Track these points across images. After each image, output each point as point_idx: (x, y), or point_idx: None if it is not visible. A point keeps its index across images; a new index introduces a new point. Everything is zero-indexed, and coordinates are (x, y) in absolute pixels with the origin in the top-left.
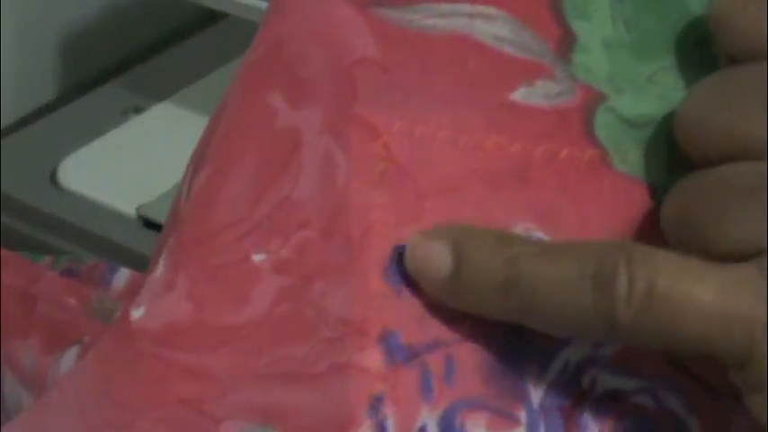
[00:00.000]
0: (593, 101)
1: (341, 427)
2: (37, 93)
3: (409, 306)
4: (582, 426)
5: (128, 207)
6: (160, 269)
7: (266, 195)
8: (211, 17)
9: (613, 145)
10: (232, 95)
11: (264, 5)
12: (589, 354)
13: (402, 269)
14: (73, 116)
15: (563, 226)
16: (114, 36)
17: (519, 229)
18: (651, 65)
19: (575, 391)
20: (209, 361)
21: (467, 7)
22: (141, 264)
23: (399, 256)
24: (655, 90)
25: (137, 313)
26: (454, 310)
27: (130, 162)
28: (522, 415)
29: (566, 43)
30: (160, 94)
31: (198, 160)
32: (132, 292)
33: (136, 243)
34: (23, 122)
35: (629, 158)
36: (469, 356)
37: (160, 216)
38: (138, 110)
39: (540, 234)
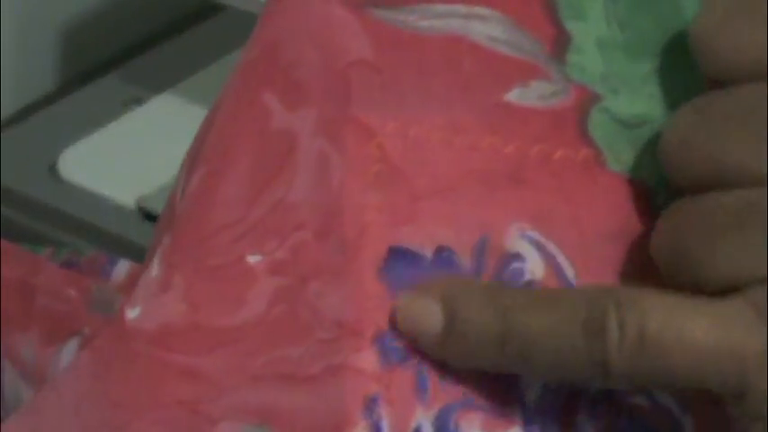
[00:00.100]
0: (588, 101)
1: (336, 428)
2: (37, 84)
3: None
4: (577, 425)
5: (128, 199)
6: (155, 269)
7: (261, 197)
8: (211, 8)
9: (607, 145)
10: (227, 96)
11: None
12: None
13: (396, 270)
14: (73, 108)
15: (557, 226)
16: (114, 27)
17: (514, 229)
18: (645, 65)
19: (570, 391)
20: (205, 362)
21: (461, 8)
22: (141, 255)
23: (394, 256)
24: (649, 90)
25: (132, 313)
26: None
27: (130, 154)
28: (518, 415)
29: (560, 44)
30: (160, 86)
31: (193, 160)
32: (132, 284)
33: (136, 235)
34: (23, 114)
35: (623, 158)
36: None
37: (160, 208)
38: (139, 101)
39: (534, 234)
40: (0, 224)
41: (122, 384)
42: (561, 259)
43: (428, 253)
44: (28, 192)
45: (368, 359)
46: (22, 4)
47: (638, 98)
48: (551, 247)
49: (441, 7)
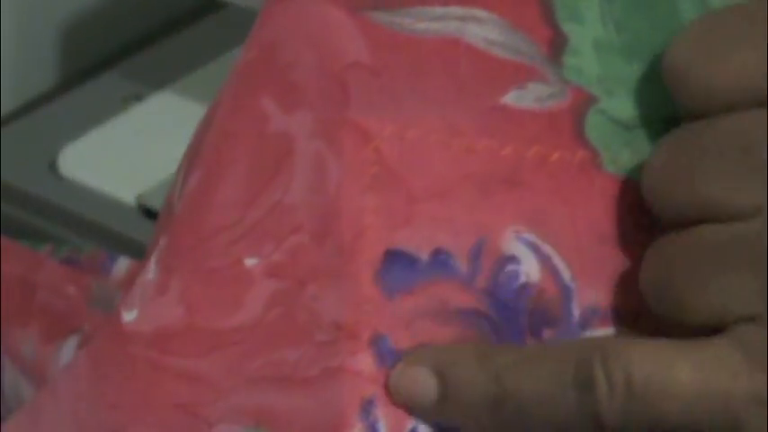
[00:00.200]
0: (584, 103)
1: (333, 430)
2: (37, 81)
3: (399, 310)
4: None
5: (128, 195)
6: (152, 272)
7: (258, 200)
8: (212, 5)
9: (604, 147)
10: (224, 98)
11: None
12: None
13: (393, 273)
14: (73, 104)
15: (554, 228)
16: (114, 24)
17: (510, 232)
18: (642, 67)
19: None
20: (202, 365)
21: (458, 10)
22: (141, 252)
23: (391, 259)
24: (645, 92)
25: (129, 316)
26: (444, 316)
27: (131, 150)
28: None
29: (556, 46)
30: (161, 83)
31: (190, 162)
32: (132, 282)
33: (136, 231)
34: (23, 111)
35: (619, 160)
36: None
37: (160, 205)
38: (139, 98)
39: (531, 236)
40: (0, 221)
41: (119, 387)
42: (557, 261)
43: (424, 256)
44: (28, 188)
45: (365, 361)
46: (23, 1)
47: (634, 100)
48: (547, 249)
49: (437, 10)
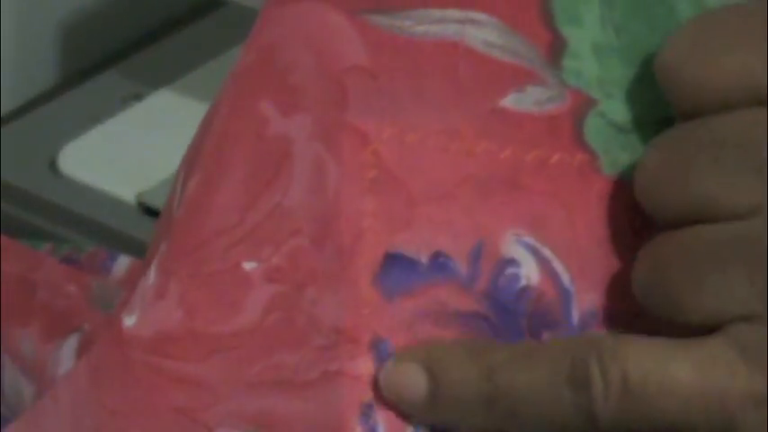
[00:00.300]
0: (584, 106)
1: None
2: (37, 80)
3: (399, 313)
4: None
5: (128, 194)
6: (152, 276)
7: (257, 203)
8: (211, 4)
9: (603, 150)
10: (223, 101)
11: None
12: None
13: (392, 276)
14: (73, 103)
15: (553, 231)
16: (114, 23)
17: (510, 235)
18: (641, 70)
19: None
20: (201, 369)
21: (457, 13)
22: (141, 251)
23: (390, 263)
24: (644, 95)
25: (129, 321)
26: (444, 318)
27: (130, 149)
28: None
29: (555, 48)
30: (160, 82)
31: (189, 166)
32: (132, 280)
33: (136, 230)
34: (23, 110)
35: (618, 163)
36: None
37: (160, 203)
38: (139, 97)
39: (530, 239)
40: (0, 220)
41: (119, 392)
42: (556, 264)
43: (424, 259)
44: (28, 187)
45: (364, 365)
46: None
47: (633, 103)
48: (547, 252)
49: (436, 13)
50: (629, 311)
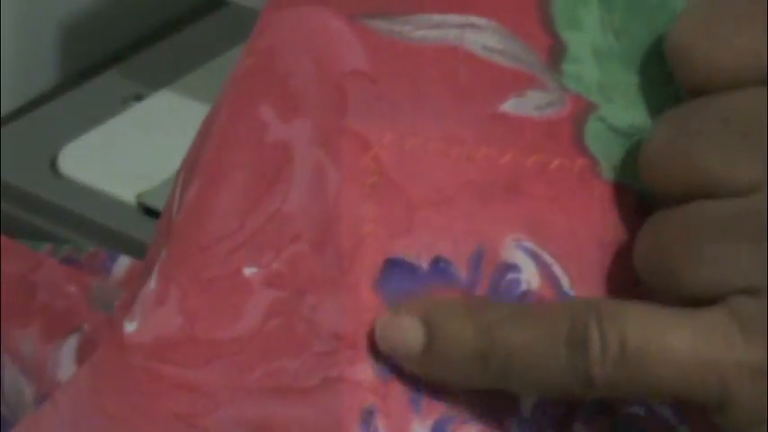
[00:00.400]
0: (584, 110)
1: None
2: (37, 80)
3: None
4: None
5: (128, 195)
6: (153, 282)
7: (257, 209)
8: (212, 4)
9: (603, 154)
10: (222, 106)
11: None
12: None
13: (393, 281)
14: (73, 104)
15: (553, 236)
16: (114, 23)
17: (510, 240)
18: (641, 74)
19: (567, 402)
20: (201, 375)
21: (457, 18)
22: (141, 251)
23: (390, 268)
24: (645, 99)
25: (130, 327)
26: None
27: (130, 150)
28: (513, 426)
29: (556, 53)
30: (160, 82)
31: (189, 171)
32: (132, 281)
33: (136, 230)
34: (23, 110)
35: (619, 168)
36: None
37: (160, 204)
38: (139, 98)
39: (530, 244)
40: (0, 220)
41: (119, 397)
42: (556, 269)
43: (424, 264)
44: (28, 188)
45: (364, 371)
46: (22, 0)
47: (633, 107)
48: (547, 257)
49: (435, 17)
50: None
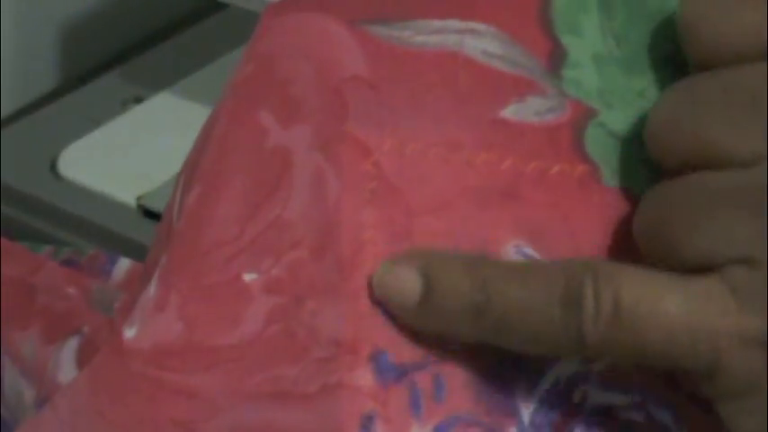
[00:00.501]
0: (584, 116)
1: None
2: (37, 83)
3: (399, 325)
4: None
5: (128, 197)
6: (152, 288)
7: (257, 215)
8: (211, 7)
9: (603, 160)
10: (222, 112)
11: None
12: (580, 369)
13: None
14: (73, 106)
15: (554, 242)
16: (114, 26)
17: (510, 246)
18: (641, 80)
19: (566, 407)
20: (201, 381)
21: (456, 23)
22: (141, 254)
23: None
24: (645, 105)
25: (129, 333)
26: None
27: (131, 152)
28: (513, 430)
29: (556, 59)
30: (160, 84)
31: (189, 177)
32: (132, 283)
33: (136, 233)
34: (23, 112)
35: (618, 173)
36: (458, 373)
37: (160, 206)
38: (139, 100)
39: (530, 251)
40: (0, 222)
41: (118, 403)
42: None
43: None
44: (28, 190)
45: (364, 377)
46: (23, 2)
47: (633, 113)
48: None
49: (435, 23)
50: None
